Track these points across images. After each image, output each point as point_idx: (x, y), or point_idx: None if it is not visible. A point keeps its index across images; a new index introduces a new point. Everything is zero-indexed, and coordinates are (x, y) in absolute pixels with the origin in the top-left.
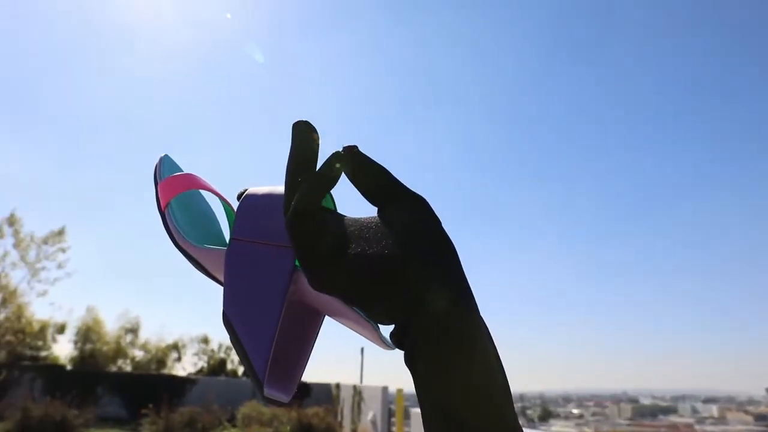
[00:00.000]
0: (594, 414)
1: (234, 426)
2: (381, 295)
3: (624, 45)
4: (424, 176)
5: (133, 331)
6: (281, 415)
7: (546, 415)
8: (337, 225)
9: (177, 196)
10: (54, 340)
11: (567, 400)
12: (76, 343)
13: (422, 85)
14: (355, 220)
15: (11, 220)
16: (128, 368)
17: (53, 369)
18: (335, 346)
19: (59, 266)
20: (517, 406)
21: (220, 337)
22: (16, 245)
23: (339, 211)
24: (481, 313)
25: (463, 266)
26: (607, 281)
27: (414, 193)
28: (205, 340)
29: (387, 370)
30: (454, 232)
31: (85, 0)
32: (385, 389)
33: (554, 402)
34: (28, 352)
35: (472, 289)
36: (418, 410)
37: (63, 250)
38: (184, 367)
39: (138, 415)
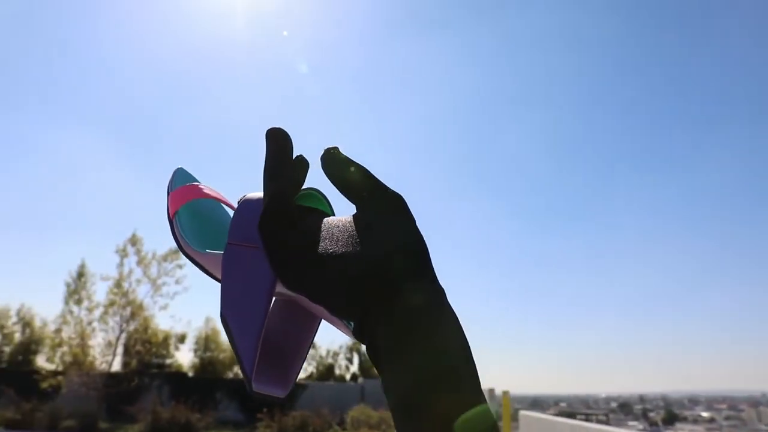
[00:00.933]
0: (727, 418)
1: (344, 429)
2: (348, 294)
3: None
4: (517, 173)
5: None
6: (389, 418)
7: (671, 418)
8: (309, 225)
9: (193, 207)
10: (176, 348)
11: (694, 402)
12: (195, 351)
13: (515, 84)
14: (330, 220)
15: (133, 240)
16: None
17: (177, 376)
18: None
19: (177, 282)
20: (637, 408)
21: (327, 343)
22: (139, 263)
23: (336, 212)
24: (603, 313)
25: (433, 264)
26: (742, 270)
27: (391, 191)
28: (313, 346)
29: (493, 372)
30: (579, 229)
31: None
32: (491, 391)
33: (679, 404)
34: (155, 361)
35: (442, 285)
36: (526, 412)
37: (180, 267)
38: None
39: (254, 418)
